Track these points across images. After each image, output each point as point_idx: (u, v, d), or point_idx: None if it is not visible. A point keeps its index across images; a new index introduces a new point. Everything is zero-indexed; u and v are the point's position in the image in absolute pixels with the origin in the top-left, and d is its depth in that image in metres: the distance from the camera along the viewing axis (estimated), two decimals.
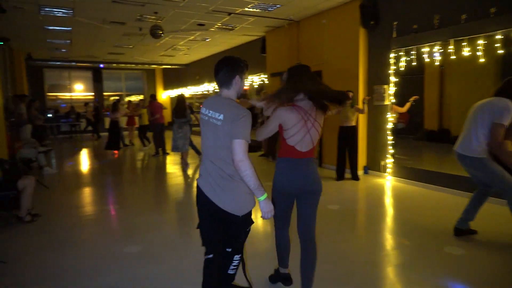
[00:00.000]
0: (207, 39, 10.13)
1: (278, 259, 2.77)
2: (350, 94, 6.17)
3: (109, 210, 4.99)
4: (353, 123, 6.25)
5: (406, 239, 3.76)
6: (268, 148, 8.77)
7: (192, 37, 9.77)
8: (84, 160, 9.82)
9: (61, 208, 5.11)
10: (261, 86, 13.07)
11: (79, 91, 17.81)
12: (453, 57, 5.12)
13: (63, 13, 6.97)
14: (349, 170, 6.46)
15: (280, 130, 2.50)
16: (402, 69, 5.94)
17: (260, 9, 7.12)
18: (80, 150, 11.73)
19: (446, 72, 5.89)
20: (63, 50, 11.58)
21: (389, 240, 3.82)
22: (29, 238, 3.94)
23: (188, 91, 15.80)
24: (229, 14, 7.35)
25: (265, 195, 2.06)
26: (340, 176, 6.41)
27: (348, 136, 6.26)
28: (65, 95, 17.50)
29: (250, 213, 2.15)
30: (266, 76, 9.58)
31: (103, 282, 2.95)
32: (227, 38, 10.09)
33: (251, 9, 7.07)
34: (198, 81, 14.62)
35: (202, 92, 14.74)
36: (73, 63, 14.48)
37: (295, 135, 2.43)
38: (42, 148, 7.53)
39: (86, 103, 15.31)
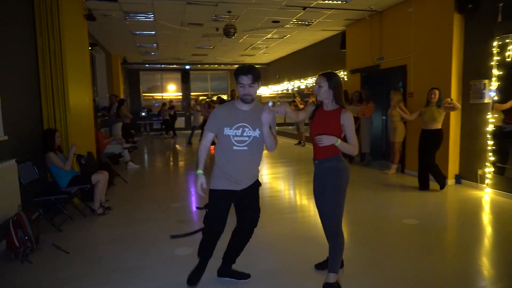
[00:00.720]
0: (285, 36, 9.88)
1: None
2: (436, 92, 5.32)
3: (179, 207, 5.06)
4: (439, 126, 5.35)
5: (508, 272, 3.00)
6: None
7: (269, 35, 9.61)
8: (168, 157, 10.40)
9: (134, 202, 5.36)
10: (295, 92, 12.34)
11: (170, 91, 19.17)
12: None
13: (145, 17, 7.38)
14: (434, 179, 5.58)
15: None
16: (509, 59, 4.89)
17: (337, 1, 6.60)
18: (167, 147, 12.51)
19: None
20: (152, 54, 12.46)
21: (482, 272, 3.08)
22: (95, 230, 4.16)
23: (268, 90, 15.81)
24: (304, 8, 6.98)
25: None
26: (423, 186, 5.56)
27: (431, 139, 5.38)
28: (158, 95, 18.97)
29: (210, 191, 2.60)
30: (345, 73, 8.95)
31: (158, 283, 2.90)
32: (305, 35, 9.70)
33: (327, 1, 6.60)
34: (278, 80, 14.50)
35: (282, 91, 14.59)
36: (163, 65, 15.52)
37: None
38: (126, 145, 8.11)
39: (163, 103, 16.30)
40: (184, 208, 5.04)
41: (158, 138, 15.40)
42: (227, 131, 2.46)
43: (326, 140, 2.49)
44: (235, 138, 2.47)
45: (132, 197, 5.69)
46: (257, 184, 2.67)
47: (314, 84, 2.75)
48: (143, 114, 17.10)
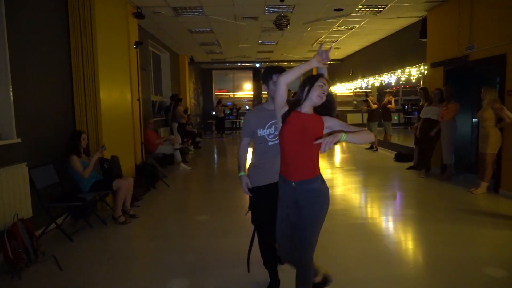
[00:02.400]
0: (354, 27, 8.72)
1: None
2: None
3: (209, 221, 4.51)
4: None
5: None
6: (419, 159, 6.80)
7: (335, 26, 8.56)
8: (227, 158, 10.05)
9: (167, 210, 4.97)
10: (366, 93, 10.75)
11: (243, 90, 19.07)
12: None
13: (196, 13, 7.01)
14: None
15: None
16: None
17: None
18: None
19: None
20: (217, 52, 12.26)
21: None
22: (108, 243, 3.80)
23: (341, 88, 14.59)
24: None
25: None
26: None
27: None
28: (230, 94, 19.00)
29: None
30: (425, 67, 7.51)
31: None
32: (378, 24, 8.43)
33: None
34: (351, 77, 13.23)
35: (355, 88, 13.28)
36: (232, 64, 15.34)
37: None
38: (177, 145, 7.89)
39: (219, 100, 16.10)
40: (219, 222, 4.46)
41: (225, 137, 15.27)
42: (261, 132, 2.51)
43: (332, 140, 1.90)
44: (270, 136, 2.51)
45: (167, 204, 5.33)
46: None
47: (321, 85, 2.16)
48: (214, 113, 17.20)
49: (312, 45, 11.09)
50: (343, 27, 8.71)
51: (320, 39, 10.17)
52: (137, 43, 6.19)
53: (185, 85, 12.65)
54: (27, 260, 3.18)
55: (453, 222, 4.22)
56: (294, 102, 2.22)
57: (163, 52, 10.54)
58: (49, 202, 3.89)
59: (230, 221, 4.43)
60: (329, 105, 2.18)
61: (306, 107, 2.18)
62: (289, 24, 6.45)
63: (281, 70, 2.39)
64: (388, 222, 4.41)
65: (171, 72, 11.09)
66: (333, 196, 5.50)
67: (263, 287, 2.73)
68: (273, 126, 2.51)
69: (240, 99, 18.89)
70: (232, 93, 18.90)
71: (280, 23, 6.34)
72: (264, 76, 2.51)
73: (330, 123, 2.17)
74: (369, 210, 4.92)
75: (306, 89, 2.16)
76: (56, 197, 3.99)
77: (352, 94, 16.16)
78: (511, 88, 5.11)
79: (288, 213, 2.23)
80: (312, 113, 2.20)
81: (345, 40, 10.47)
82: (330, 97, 2.17)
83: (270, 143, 2.51)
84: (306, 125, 2.13)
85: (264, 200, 2.55)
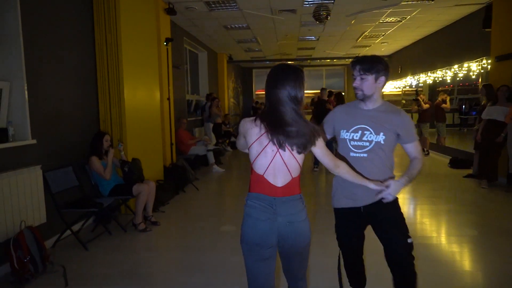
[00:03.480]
0: (404, 19, 7.90)
1: None
2: None
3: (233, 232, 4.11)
4: None
5: None
6: (480, 166, 5.90)
7: (382, 18, 7.80)
8: None
9: (193, 218, 4.63)
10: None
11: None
12: None
13: (229, 7, 6.64)
14: None
15: None
16: None
17: None
18: None
19: None
20: (256, 50, 11.86)
21: None
22: (124, 254, 3.51)
23: (389, 86, 13.59)
24: None
25: None
26: None
27: None
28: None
29: None
30: (489, 61, 6.57)
31: None
32: (431, 14, 7.55)
33: None
34: (400, 74, 12.25)
35: (405, 87, 12.28)
36: (268, 62, 14.90)
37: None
38: (210, 146, 7.60)
39: (256, 102, 15.64)
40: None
41: None
42: (343, 134, 2.09)
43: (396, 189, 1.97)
44: (352, 143, 2.06)
45: (193, 210, 5.00)
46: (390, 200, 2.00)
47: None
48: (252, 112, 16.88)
49: (357, 40, 10.33)
50: (391, 19, 7.92)
51: (365, 33, 9.41)
52: (167, 40, 5.94)
53: (223, 84, 12.41)
54: (34, 271, 2.96)
55: None
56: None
57: (200, 50, 10.33)
58: (65, 207, 3.68)
59: None
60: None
61: None
62: (329, 15, 5.86)
63: (357, 60, 2.03)
64: (441, 243, 3.72)
65: (209, 71, 10.87)
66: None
67: None
68: (360, 132, 2.04)
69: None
70: None
71: (319, 14, 5.77)
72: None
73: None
74: (418, 227, 4.22)
75: None
76: (72, 202, 3.77)
77: (400, 93, 15.09)
78: None
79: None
80: None
81: (393, 34, 9.61)
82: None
83: (352, 154, 2.06)
84: None
85: (347, 225, 2.16)
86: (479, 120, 5.98)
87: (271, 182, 1.65)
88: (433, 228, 4.16)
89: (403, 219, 2.05)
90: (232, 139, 10.64)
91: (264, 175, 1.65)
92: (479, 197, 5.23)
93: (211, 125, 8.76)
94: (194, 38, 9.28)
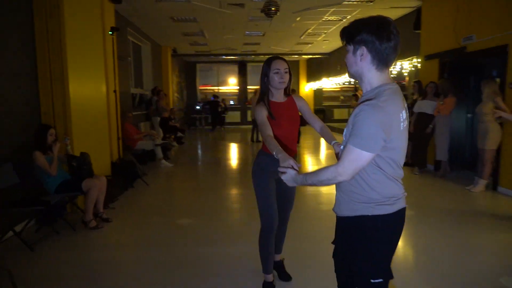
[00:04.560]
0: (345, 18, 8.37)
1: None
2: None
3: (193, 225, 4.08)
4: None
5: None
6: (412, 155, 6.50)
7: (325, 16, 8.19)
8: (213, 154, 9.62)
9: (145, 213, 4.51)
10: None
11: (227, 84, 18.55)
12: None
13: None
14: None
15: None
16: None
17: None
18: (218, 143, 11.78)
19: None
20: (202, 44, 11.73)
21: None
22: (71, 254, 3.32)
23: (329, 82, 14.28)
24: None
25: None
26: None
27: None
28: (215, 88, 18.46)
29: None
30: (419, 60, 7.23)
31: None
32: (370, 15, 8.07)
33: None
34: (339, 71, 12.93)
35: (343, 83, 13.00)
36: (217, 57, 14.85)
37: None
38: (159, 141, 7.41)
39: (214, 96, 15.66)
40: (202, 227, 4.03)
41: (213, 132, 14.77)
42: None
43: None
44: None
45: (145, 206, 4.86)
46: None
47: (280, 71, 2.30)
48: (198, 107, 16.68)
49: (300, 36, 10.70)
50: (333, 17, 8.35)
51: (309, 30, 9.79)
52: (113, 29, 5.66)
53: (167, 78, 12.10)
54: None
55: (456, 224, 3.92)
56: (262, 94, 2.34)
57: (144, 42, 9.96)
58: (6, 206, 3.39)
59: (215, 226, 4.01)
60: None
61: (277, 95, 2.36)
62: (278, 11, 6.02)
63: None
64: None
65: (153, 64, 10.52)
66: (320, 195, 5.16)
67: None
68: None
69: (225, 93, 18.39)
70: (216, 87, 18.35)
71: (269, 9, 5.91)
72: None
73: (300, 103, 2.44)
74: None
75: (266, 79, 2.30)
76: (15, 201, 3.48)
77: (339, 89, 15.93)
78: None
79: (272, 183, 2.41)
80: (285, 98, 2.40)
81: (335, 33, 10.11)
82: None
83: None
84: (289, 111, 2.38)
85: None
86: (411, 113, 6.58)
87: None
88: None
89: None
90: (179, 134, 10.45)
91: None
92: (413, 182, 5.78)
93: (158, 119, 8.52)
94: (138, 29, 8.93)
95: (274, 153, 1.87)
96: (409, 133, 6.41)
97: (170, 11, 7.48)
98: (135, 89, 9.02)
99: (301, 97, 2.50)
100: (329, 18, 8.36)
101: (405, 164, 6.78)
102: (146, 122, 9.05)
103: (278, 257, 2.74)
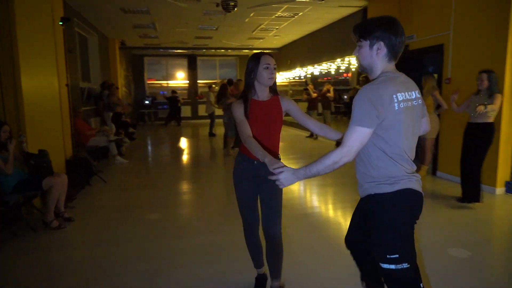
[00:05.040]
0: (297, 14, 8.67)
1: None
2: (484, 76, 4.05)
3: (158, 220, 4.06)
4: (491, 120, 4.12)
5: None
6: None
7: (279, 12, 8.42)
8: (169, 150, 9.47)
9: (106, 210, 4.39)
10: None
11: (176, 78, 18.18)
12: None
13: None
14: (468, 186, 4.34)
15: None
16: None
17: None
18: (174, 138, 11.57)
19: None
20: (152, 36, 11.42)
21: None
22: (33, 257, 3.19)
23: (280, 77, 14.65)
24: None
25: None
26: (467, 196, 4.35)
27: (480, 136, 4.16)
28: (164, 83, 18.00)
29: None
30: None
31: None
32: (320, 13, 8.48)
33: None
34: (289, 66, 13.32)
35: (294, 78, 13.42)
36: (167, 50, 14.51)
37: None
38: (112, 137, 7.16)
39: (173, 91, 15.36)
40: (168, 221, 4.03)
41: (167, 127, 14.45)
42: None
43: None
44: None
45: (107, 203, 4.73)
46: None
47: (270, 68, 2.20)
48: (147, 102, 16.19)
49: (252, 32, 10.85)
50: (286, 14, 8.60)
51: (262, 26, 9.97)
52: (63, 20, 5.37)
53: (116, 71, 11.61)
54: None
55: None
56: (245, 90, 2.23)
57: (90, 34, 9.46)
58: None
59: (177, 219, 4.07)
60: None
61: (261, 93, 2.24)
62: (236, 6, 6.10)
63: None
64: (337, 210, 4.40)
65: (100, 57, 10.04)
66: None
67: None
68: None
69: (175, 87, 18.01)
70: (165, 81, 17.90)
71: (228, 4, 5.96)
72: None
73: (288, 105, 2.28)
74: (308, 199, 4.88)
75: (253, 75, 2.19)
76: None
77: (287, 83, 16.23)
78: (449, 76, 5.43)
79: (250, 188, 2.30)
80: (270, 97, 2.26)
81: (286, 29, 10.42)
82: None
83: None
84: (268, 112, 2.23)
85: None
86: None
87: None
88: (321, 198, 4.87)
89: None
90: (130, 129, 10.12)
91: None
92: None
93: (111, 114, 8.20)
94: (85, 20, 8.47)
95: (259, 157, 1.83)
96: None
97: (121, 1, 7.22)
98: (83, 83, 8.57)
99: (289, 99, 2.32)
100: (282, 14, 8.60)
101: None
102: (97, 118, 8.66)
103: (277, 283, 2.38)
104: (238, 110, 2.19)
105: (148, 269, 2.86)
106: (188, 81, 17.50)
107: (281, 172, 1.64)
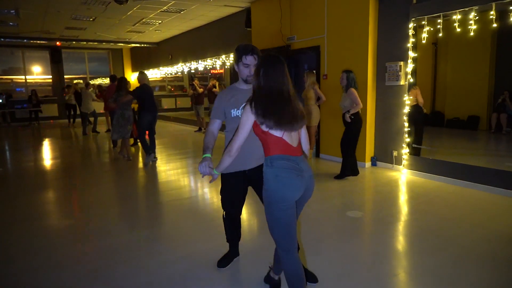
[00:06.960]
0: (182, 11, 8.76)
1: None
2: (343, 75, 5.04)
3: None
4: (356, 110, 5.10)
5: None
6: None
7: (165, 7, 8.37)
8: (34, 152, 8.40)
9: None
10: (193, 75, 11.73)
11: (36, 73, 15.90)
12: (495, 25, 4.19)
13: None
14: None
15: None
16: (424, 42, 4.97)
17: None
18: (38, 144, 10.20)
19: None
20: (10, 24, 9.83)
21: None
22: None
23: (160, 72, 14.37)
24: None
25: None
26: (346, 171, 5.30)
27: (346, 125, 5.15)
28: (20, 78, 15.54)
29: None
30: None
31: None
32: (205, 10, 8.77)
33: None
34: (171, 61, 13.21)
35: (176, 73, 13.38)
36: (25, 40, 12.60)
37: None
38: None
39: (67, 85, 13.43)
40: (77, 226, 3.80)
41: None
42: (234, 112, 2.38)
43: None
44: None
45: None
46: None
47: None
48: (1, 101, 13.79)
49: (133, 25, 10.42)
50: (172, 9, 8.60)
51: (144, 20, 9.69)
52: None
53: None
54: None
55: None
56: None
57: None
58: None
59: (88, 223, 3.90)
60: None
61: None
62: None
63: (252, 50, 2.31)
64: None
65: None
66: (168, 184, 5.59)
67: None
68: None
69: (34, 83, 15.74)
70: (23, 76, 15.47)
71: None
72: (235, 56, 2.36)
73: None
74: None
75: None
76: None
77: (161, 79, 15.72)
78: (326, 73, 6.45)
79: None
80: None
81: (168, 23, 10.36)
82: None
83: None
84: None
85: (242, 184, 2.57)
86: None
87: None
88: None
89: None
90: None
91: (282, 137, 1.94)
92: None
93: None
94: None
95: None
96: None
97: None
98: None
99: None
100: (168, 9, 8.57)
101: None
102: None
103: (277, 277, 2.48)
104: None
105: (67, 277, 2.76)
106: (51, 76, 15.52)
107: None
